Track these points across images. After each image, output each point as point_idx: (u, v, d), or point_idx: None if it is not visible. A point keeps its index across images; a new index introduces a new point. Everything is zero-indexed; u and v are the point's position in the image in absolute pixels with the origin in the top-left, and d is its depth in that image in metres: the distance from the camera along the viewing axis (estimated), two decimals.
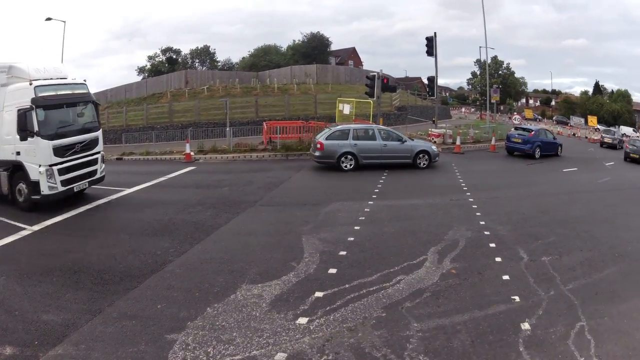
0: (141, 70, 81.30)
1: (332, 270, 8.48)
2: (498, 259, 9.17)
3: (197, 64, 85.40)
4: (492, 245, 10.02)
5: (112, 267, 8.75)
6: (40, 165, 12.54)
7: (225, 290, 7.67)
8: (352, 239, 10.39)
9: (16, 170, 13.05)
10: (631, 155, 29.91)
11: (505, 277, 8.25)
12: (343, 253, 9.45)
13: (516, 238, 10.57)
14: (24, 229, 11.15)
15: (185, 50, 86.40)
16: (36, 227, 11.31)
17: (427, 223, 11.84)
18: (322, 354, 5.77)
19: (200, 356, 5.75)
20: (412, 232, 11.06)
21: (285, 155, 24.30)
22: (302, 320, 6.62)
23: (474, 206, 13.56)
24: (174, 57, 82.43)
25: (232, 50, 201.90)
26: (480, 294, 7.57)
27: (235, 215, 12.49)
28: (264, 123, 29.46)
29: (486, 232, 10.92)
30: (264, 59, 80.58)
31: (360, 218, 12.12)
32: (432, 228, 11.35)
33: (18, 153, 12.83)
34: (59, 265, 8.81)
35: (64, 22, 40.13)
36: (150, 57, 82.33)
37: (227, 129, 28.46)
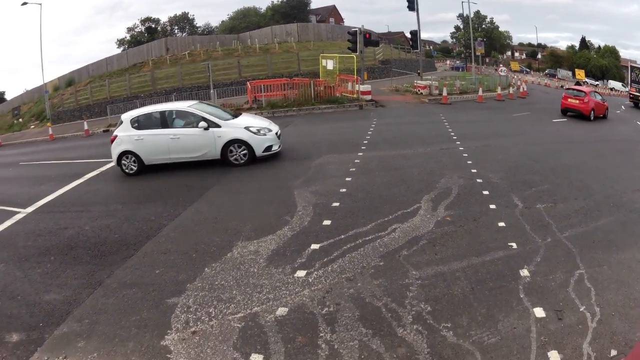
0: (121, 42, 79.31)
1: (327, 222, 8.46)
2: (492, 206, 9.12)
3: (176, 31, 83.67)
4: (486, 192, 9.99)
5: (107, 238, 8.67)
6: None
7: (221, 250, 7.63)
8: (344, 190, 10.37)
9: None
10: None
11: (501, 224, 8.21)
12: (336, 204, 9.42)
13: (509, 186, 10.52)
14: (18, 212, 10.95)
15: (164, 19, 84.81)
16: (29, 209, 11.12)
17: (418, 172, 11.78)
18: (323, 306, 5.77)
19: (202, 317, 5.73)
20: (403, 181, 10.99)
21: (271, 112, 24.11)
22: (301, 274, 6.61)
23: (464, 155, 13.53)
24: (153, 26, 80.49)
25: (211, 15, 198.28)
26: (476, 241, 7.54)
27: (225, 174, 12.41)
28: (248, 83, 29.42)
29: (479, 180, 10.89)
30: (244, 21, 79.28)
31: (350, 169, 12.11)
32: (423, 176, 11.31)
33: None
34: (55, 244, 8.71)
35: (40, 4, 40.11)
36: (129, 29, 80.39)
37: (211, 90, 28.20)
